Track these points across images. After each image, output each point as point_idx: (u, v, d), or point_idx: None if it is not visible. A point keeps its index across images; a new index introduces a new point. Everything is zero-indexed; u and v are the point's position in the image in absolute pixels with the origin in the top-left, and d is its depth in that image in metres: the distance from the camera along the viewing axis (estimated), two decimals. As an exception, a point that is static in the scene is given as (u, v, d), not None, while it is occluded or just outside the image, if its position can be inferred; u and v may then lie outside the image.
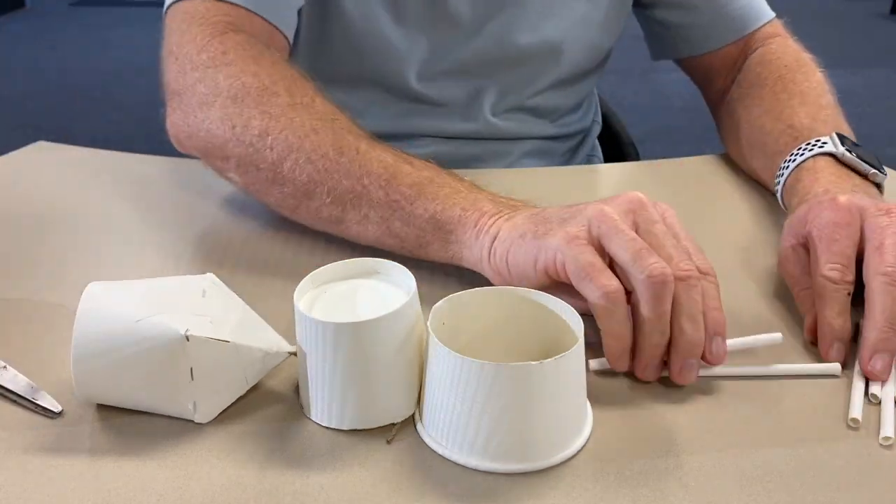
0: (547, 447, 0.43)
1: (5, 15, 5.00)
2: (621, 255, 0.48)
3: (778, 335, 0.52)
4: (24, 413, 0.48)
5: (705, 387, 0.50)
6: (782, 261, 0.59)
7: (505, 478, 0.43)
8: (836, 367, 0.51)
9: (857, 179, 0.64)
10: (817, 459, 0.44)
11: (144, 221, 0.72)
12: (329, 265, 0.49)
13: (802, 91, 0.77)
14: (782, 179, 0.68)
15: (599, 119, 1.05)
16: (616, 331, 0.48)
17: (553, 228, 0.51)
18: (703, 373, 0.49)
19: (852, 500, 0.41)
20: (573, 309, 0.46)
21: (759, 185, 0.79)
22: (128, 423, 0.47)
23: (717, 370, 0.50)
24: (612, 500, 0.41)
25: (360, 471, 0.43)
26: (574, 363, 0.43)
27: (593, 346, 0.54)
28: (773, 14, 0.88)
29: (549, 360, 0.41)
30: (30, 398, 0.48)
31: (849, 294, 0.52)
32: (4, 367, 0.50)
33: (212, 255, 0.66)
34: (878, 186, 0.66)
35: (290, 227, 0.70)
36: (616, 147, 1.10)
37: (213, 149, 0.66)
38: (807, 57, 0.83)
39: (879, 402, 0.48)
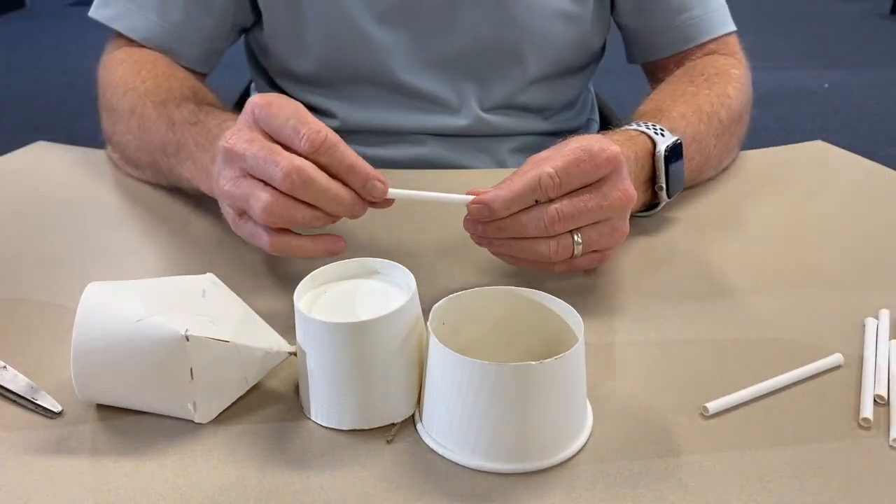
0: (547, 447, 0.43)
1: (5, 15, 5.00)
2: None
3: (838, 356, 0.52)
4: (24, 413, 0.48)
5: (705, 386, 0.50)
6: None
7: (505, 478, 0.43)
8: (837, 357, 0.51)
9: (643, 171, 0.66)
10: (818, 459, 0.44)
11: (144, 221, 0.72)
12: (329, 265, 0.49)
13: (695, 93, 0.77)
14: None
15: (596, 117, 1.05)
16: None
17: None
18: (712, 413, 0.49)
19: (853, 499, 0.41)
20: (573, 309, 0.46)
21: (757, 184, 0.79)
22: (128, 423, 0.47)
23: (730, 399, 0.49)
24: (612, 500, 0.41)
25: (360, 471, 0.43)
26: (574, 363, 0.43)
27: (594, 347, 0.54)
28: (727, 29, 0.88)
29: (549, 360, 0.41)
30: (30, 398, 0.48)
31: (536, 202, 0.53)
32: (4, 367, 0.50)
33: (212, 255, 0.66)
34: (654, 203, 0.69)
35: (290, 227, 0.70)
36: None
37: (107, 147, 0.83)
38: (735, 74, 0.82)
39: (886, 403, 0.48)
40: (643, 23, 0.89)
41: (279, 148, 0.51)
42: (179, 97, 0.72)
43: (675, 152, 0.67)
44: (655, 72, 0.91)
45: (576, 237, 0.54)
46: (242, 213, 0.55)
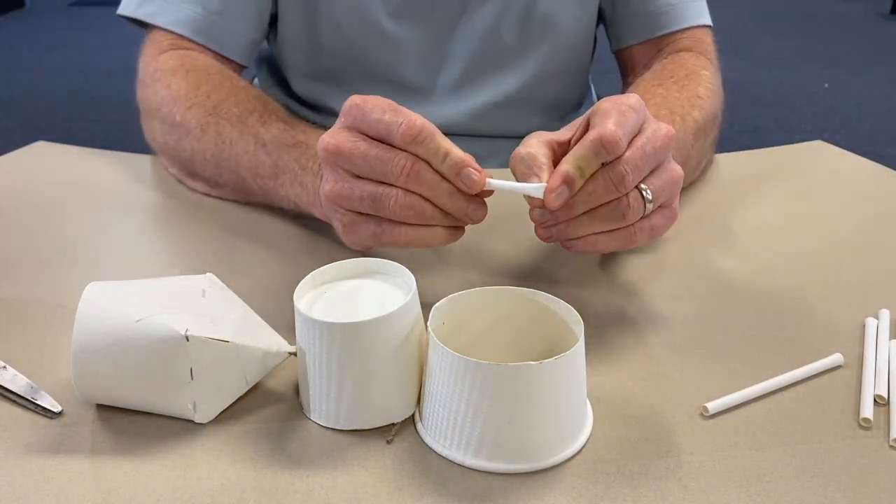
0: (547, 447, 0.43)
1: (5, 15, 5.00)
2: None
3: (541, 185, 0.51)
4: (24, 413, 0.48)
5: (705, 387, 0.50)
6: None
7: (505, 478, 0.43)
8: (837, 357, 0.51)
9: None
10: (818, 459, 0.44)
11: (144, 221, 0.72)
12: (329, 265, 0.49)
13: (665, 95, 0.75)
14: None
15: None
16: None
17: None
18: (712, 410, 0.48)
19: (853, 500, 0.41)
20: (573, 309, 0.46)
21: (757, 184, 0.79)
22: (128, 423, 0.47)
23: (730, 399, 0.48)
24: (612, 500, 0.41)
25: (360, 471, 0.43)
26: (574, 363, 0.43)
27: (594, 346, 0.54)
28: (700, 21, 0.87)
29: (549, 360, 0.41)
30: (30, 398, 0.48)
31: (602, 164, 0.51)
32: (4, 367, 0.50)
33: (212, 255, 0.66)
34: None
35: (290, 228, 0.70)
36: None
37: (161, 158, 0.81)
38: (706, 75, 0.80)
39: (886, 404, 0.48)
40: (619, 6, 0.88)
41: (387, 146, 0.51)
42: (258, 112, 0.69)
43: None
44: (626, 64, 0.91)
45: (644, 192, 0.52)
46: (358, 215, 0.54)
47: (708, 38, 0.87)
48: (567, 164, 0.50)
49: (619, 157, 0.50)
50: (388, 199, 0.51)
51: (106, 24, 4.56)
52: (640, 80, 0.80)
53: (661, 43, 0.86)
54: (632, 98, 0.53)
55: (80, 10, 5.14)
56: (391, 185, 0.52)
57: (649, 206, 0.52)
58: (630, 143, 0.51)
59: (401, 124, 0.50)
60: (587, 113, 0.54)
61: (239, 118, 0.69)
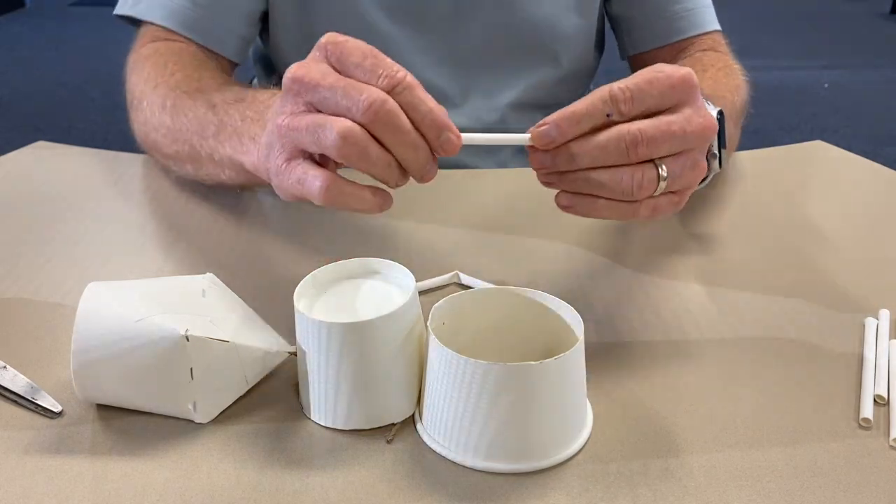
0: (547, 447, 0.43)
1: (5, 15, 5.00)
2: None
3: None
4: (24, 413, 0.48)
5: (705, 387, 0.50)
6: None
7: (505, 478, 0.43)
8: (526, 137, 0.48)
9: None
10: (818, 459, 0.44)
11: (144, 221, 0.72)
12: (329, 265, 0.49)
13: (714, 77, 0.76)
14: None
15: None
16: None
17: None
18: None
19: (853, 500, 0.41)
20: (573, 309, 0.46)
21: (757, 184, 0.79)
22: (128, 423, 0.47)
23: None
24: (612, 500, 0.41)
25: (360, 471, 0.43)
26: (574, 363, 0.43)
27: (594, 347, 0.54)
28: (715, 26, 0.88)
29: (549, 360, 0.41)
30: (30, 398, 0.48)
31: (608, 116, 0.47)
32: (4, 367, 0.50)
33: (212, 255, 0.66)
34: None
35: (290, 228, 0.70)
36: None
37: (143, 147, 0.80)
38: (737, 69, 0.82)
39: (886, 404, 0.48)
40: (635, 12, 0.89)
41: (359, 82, 0.46)
42: (215, 85, 0.69)
43: (720, 121, 0.61)
44: (646, 64, 0.91)
45: (661, 169, 0.48)
46: (296, 155, 0.48)
47: (723, 42, 0.89)
48: (566, 109, 0.47)
49: (635, 121, 0.47)
50: (330, 125, 0.44)
51: (106, 24, 4.57)
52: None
53: (679, 46, 0.87)
54: (682, 70, 0.49)
55: (80, 10, 5.14)
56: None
57: (661, 187, 0.48)
58: (656, 115, 0.48)
59: (382, 71, 0.46)
60: None
61: (197, 90, 0.69)
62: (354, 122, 0.45)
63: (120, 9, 0.83)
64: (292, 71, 0.47)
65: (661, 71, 0.48)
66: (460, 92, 0.87)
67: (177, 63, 0.75)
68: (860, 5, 5.05)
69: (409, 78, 0.46)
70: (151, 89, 0.73)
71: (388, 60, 0.47)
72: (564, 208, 0.50)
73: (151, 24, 0.81)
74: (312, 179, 0.46)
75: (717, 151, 0.60)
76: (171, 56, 0.76)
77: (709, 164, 0.61)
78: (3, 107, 3.32)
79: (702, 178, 0.51)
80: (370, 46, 0.47)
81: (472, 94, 0.87)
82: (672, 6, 0.86)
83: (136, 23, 0.83)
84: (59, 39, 4.40)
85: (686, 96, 0.49)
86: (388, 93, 0.45)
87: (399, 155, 0.46)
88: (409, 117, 0.46)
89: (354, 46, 0.47)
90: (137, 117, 0.76)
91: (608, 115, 0.47)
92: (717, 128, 0.50)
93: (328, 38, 0.48)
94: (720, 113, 0.60)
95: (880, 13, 4.88)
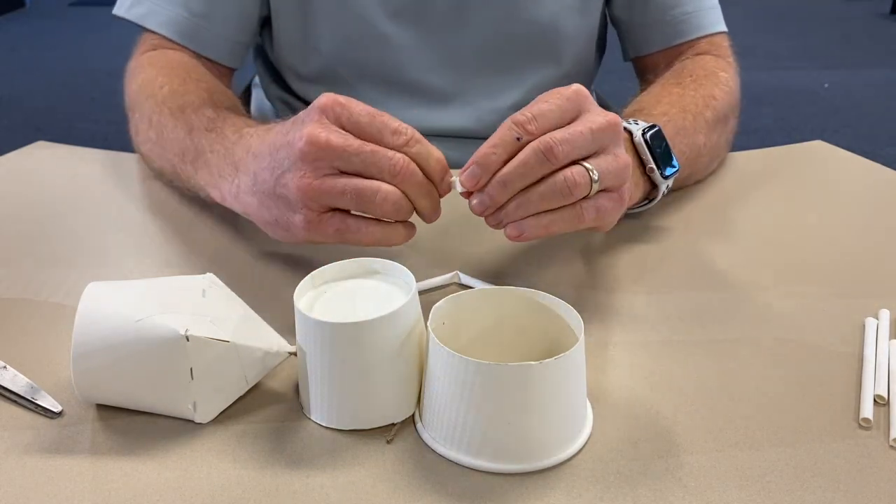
0: (547, 447, 0.43)
1: (5, 15, 5.01)
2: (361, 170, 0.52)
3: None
4: (24, 413, 0.48)
5: (705, 387, 0.50)
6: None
7: (505, 478, 0.43)
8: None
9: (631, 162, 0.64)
10: (818, 459, 0.44)
11: (144, 221, 0.72)
12: (329, 265, 0.49)
13: (681, 94, 0.76)
14: None
15: None
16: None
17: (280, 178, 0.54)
18: None
19: (853, 500, 0.41)
20: (573, 309, 0.46)
21: (757, 184, 0.79)
22: (128, 423, 0.47)
23: None
24: (612, 500, 0.41)
25: (360, 471, 0.43)
26: (574, 363, 0.43)
27: (594, 347, 0.54)
28: (718, 28, 0.88)
29: (549, 360, 0.41)
30: (30, 398, 0.48)
31: (518, 139, 0.51)
32: (4, 367, 0.50)
33: (212, 255, 0.66)
34: (654, 185, 0.67)
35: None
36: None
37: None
38: (724, 77, 0.81)
39: (886, 404, 0.48)
40: (636, 16, 0.89)
41: (376, 144, 0.52)
42: (198, 102, 0.71)
43: (656, 136, 0.66)
44: (645, 70, 0.91)
45: (586, 165, 0.52)
46: (325, 210, 0.53)
47: (726, 43, 0.88)
48: (478, 151, 0.51)
49: (547, 138, 0.51)
50: (375, 194, 0.51)
51: (106, 24, 4.57)
52: (660, 80, 0.81)
53: (680, 48, 0.87)
54: (570, 88, 0.53)
55: (80, 10, 5.14)
56: (378, 181, 0.51)
57: (595, 186, 0.52)
58: (568, 126, 0.52)
59: (394, 128, 0.52)
60: None
61: (180, 108, 0.71)
62: (384, 181, 0.51)
63: (118, 10, 0.85)
64: (309, 136, 0.51)
65: (555, 91, 0.53)
66: (461, 93, 0.87)
67: (167, 76, 0.76)
68: (860, 5, 5.05)
69: (416, 132, 0.52)
70: (143, 100, 0.76)
71: (391, 118, 0.53)
72: (516, 238, 0.53)
73: (150, 31, 0.82)
74: (355, 228, 0.53)
75: (653, 165, 0.65)
76: (164, 68, 0.78)
77: (651, 180, 0.66)
78: (3, 107, 3.32)
79: (628, 170, 0.55)
80: (369, 107, 0.53)
81: (473, 95, 0.87)
82: (673, 10, 0.86)
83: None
84: (59, 39, 4.39)
85: (582, 105, 0.53)
86: (404, 146, 0.52)
87: (417, 203, 0.53)
88: (420, 167, 0.52)
89: (361, 109, 0.52)
90: (131, 126, 0.79)
91: (518, 139, 0.51)
92: (621, 123, 0.54)
93: (330, 100, 0.52)
94: (651, 128, 0.65)
95: (880, 13, 4.88)
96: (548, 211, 0.52)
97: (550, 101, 0.52)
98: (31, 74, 3.80)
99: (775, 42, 4.21)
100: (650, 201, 0.69)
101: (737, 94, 0.82)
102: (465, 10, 0.83)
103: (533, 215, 0.52)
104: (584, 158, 0.52)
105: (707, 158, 0.77)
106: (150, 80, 0.76)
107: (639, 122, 0.67)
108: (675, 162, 0.67)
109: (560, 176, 0.51)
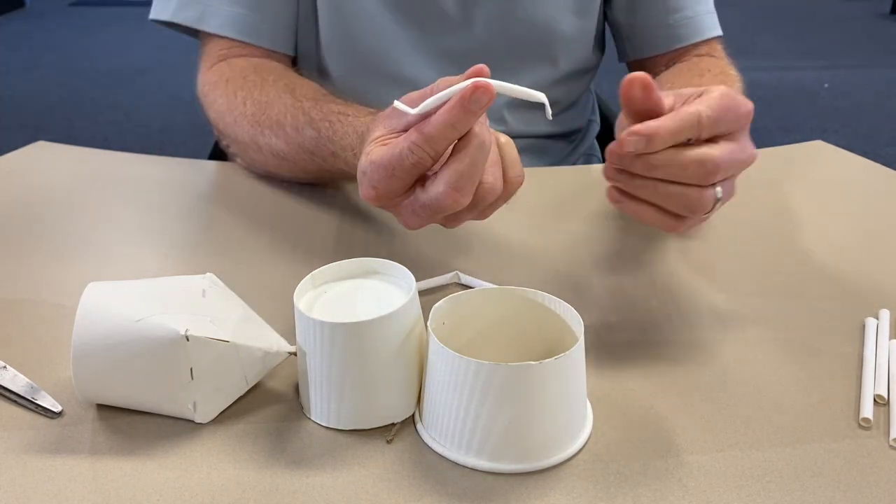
0: (547, 447, 0.43)
1: (5, 15, 5.01)
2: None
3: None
4: (24, 413, 0.48)
5: (705, 387, 0.50)
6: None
7: (505, 478, 0.43)
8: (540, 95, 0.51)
9: None
10: (818, 459, 0.44)
11: (144, 221, 0.72)
12: (329, 265, 0.49)
13: (711, 82, 0.76)
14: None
15: (597, 118, 1.05)
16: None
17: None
18: None
19: (853, 500, 0.41)
20: (573, 309, 0.46)
21: (757, 184, 0.79)
22: (128, 423, 0.47)
23: None
24: (612, 500, 0.41)
25: (360, 471, 0.43)
26: (574, 363, 0.43)
27: (594, 347, 0.54)
28: (715, 33, 0.88)
29: (549, 360, 0.41)
30: (30, 398, 0.48)
31: (689, 142, 0.49)
32: (4, 367, 0.50)
33: (212, 255, 0.66)
34: None
35: (289, 228, 0.70)
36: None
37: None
38: (733, 74, 0.81)
39: (886, 404, 0.48)
40: (636, 19, 0.89)
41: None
42: (284, 109, 0.71)
43: None
44: (646, 70, 0.91)
45: (718, 190, 0.51)
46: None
47: (721, 48, 0.89)
48: (661, 123, 0.48)
49: (713, 146, 0.49)
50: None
51: (106, 24, 4.57)
52: (671, 74, 0.81)
53: (680, 52, 0.88)
54: (747, 102, 0.52)
55: (80, 10, 5.14)
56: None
57: (716, 208, 0.52)
58: (725, 140, 0.50)
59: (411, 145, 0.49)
60: (701, 90, 0.52)
61: (278, 123, 0.71)
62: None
63: (159, 13, 0.82)
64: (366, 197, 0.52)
65: (735, 99, 0.50)
66: None
67: (244, 88, 0.76)
68: (860, 5, 5.05)
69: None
70: (233, 122, 0.76)
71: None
72: (614, 202, 0.52)
73: (212, 34, 0.81)
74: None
75: None
76: (238, 81, 0.78)
77: None
78: (3, 107, 3.32)
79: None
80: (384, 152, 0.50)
81: None
82: (673, 15, 0.87)
83: (190, 31, 0.84)
84: (59, 39, 4.40)
85: (745, 125, 0.52)
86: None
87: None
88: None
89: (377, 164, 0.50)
90: (233, 146, 0.80)
91: (688, 141, 0.49)
92: (756, 159, 0.53)
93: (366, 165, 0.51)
94: None
95: (880, 13, 4.88)
96: (659, 207, 0.51)
97: (730, 113, 0.50)
98: (31, 74, 3.80)
99: (775, 42, 4.22)
100: None
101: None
102: (466, 10, 0.84)
103: (645, 201, 0.51)
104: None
105: None
106: (230, 97, 0.77)
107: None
108: None
109: (696, 194, 0.50)
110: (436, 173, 0.49)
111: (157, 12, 0.83)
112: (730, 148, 0.50)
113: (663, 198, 0.50)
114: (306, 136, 0.68)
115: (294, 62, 0.88)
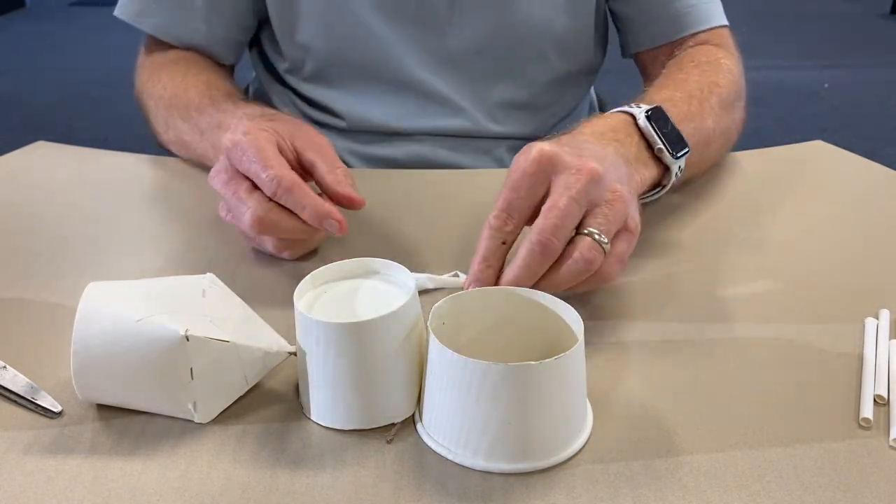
0: (547, 447, 0.43)
1: (5, 15, 5.00)
2: None
3: (459, 280, 0.59)
4: (24, 413, 0.48)
5: (705, 387, 0.50)
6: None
7: (505, 478, 0.43)
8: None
9: (632, 142, 0.63)
10: (818, 459, 0.44)
11: (144, 221, 0.72)
12: (329, 265, 0.49)
13: (684, 79, 0.76)
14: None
15: None
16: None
17: None
18: None
19: (853, 500, 0.41)
20: (573, 309, 0.46)
21: (757, 184, 0.79)
22: (128, 423, 0.47)
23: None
24: (612, 500, 0.41)
25: (360, 471, 0.43)
26: (574, 363, 0.43)
27: (594, 347, 0.54)
28: (718, 22, 0.87)
29: (549, 360, 0.41)
30: (30, 398, 0.48)
31: (504, 243, 0.52)
32: (4, 367, 0.50)
33: (212, 255, 0.66)
34: (666, 169, 0.66)
35: (290, 227, 0.70)
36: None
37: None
38: (726, 64, 0.81)
39: (886, 404, 0.48)
40: (637, 10, 0.89)
41: (245, 194, 0.58)
42: (198, 102, 0.77)
43: (659, 116, 0.65)
44: (647, 65, 0.91)
45: (593, 233, 0.51)
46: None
47: (728, 36, 0.88)
48: (473, 270, 0.53)
49: (533, 227, 0.51)
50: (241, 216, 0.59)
51: (106, 24, 4.55)
52: (664, 72, 0.81)
53: (682, 42, 0.87)
54: (529, 157, 0.52)
55: (80, 10, 5.14)
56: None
57: (607, 247, 0.52)
58: (547, 203, 0.51)
59: (264, 177, 0.57)
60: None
61: (185, 108, 0.78)
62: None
63: (119, 12, 0.88)
64: (210, 180, 0.62)
65: (516, 166, 0.53)
66: (452, 92, 0.87)
67: (168, 73, 0.83)
68: (860, 5, 5.04)
69: (286, 181, 0.56)
70: (147, 101, 0.84)
71: (271, 163, 0.57)
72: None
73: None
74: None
75: (662, 146, 0.64)
76: (164, 65, 0.85)
77: (661, 162, 0.65)
78: (3, 107, 3.32)
79: (628, 201, 0.54)
80: (257, 147, 0.58)
81: (464, 94, 0.87)
82: (672, 5, 0.86)
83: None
84: (59, 39, 4.39)
85: (548, 169, 0.52)
86: (275, 194, 0.57)
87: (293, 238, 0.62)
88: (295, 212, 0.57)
89: (242, 151, 0.58)
90: (152, 124, 0.86)
91: (503, 243, 0.52)
92: (599, 168, 0.52)
93: (227, 140, 0.60)
94: (653, 110, 0.65)
95: (880, 13, 4.88)
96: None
97: (516, 186, 0.52)
98: (31, 74, 3.80)
99: (775, 41, 4.21)
100: (663, 187, 0.67)
101: (741, 82, 0.82)
102: (457, 10, 0.83)
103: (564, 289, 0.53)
104: (581, 220, 0.52)
105: (720, 142, 0.77)
106: (152, 79, 0.84)
107: (640, 105, 0.66)
108: (685, 144, 0.66)
109: (573, 260, 0.51)
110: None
111: (118, 10, 0.88)
112: (548, 210, 0.50)
113: (567, 282, 0.52)
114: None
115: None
